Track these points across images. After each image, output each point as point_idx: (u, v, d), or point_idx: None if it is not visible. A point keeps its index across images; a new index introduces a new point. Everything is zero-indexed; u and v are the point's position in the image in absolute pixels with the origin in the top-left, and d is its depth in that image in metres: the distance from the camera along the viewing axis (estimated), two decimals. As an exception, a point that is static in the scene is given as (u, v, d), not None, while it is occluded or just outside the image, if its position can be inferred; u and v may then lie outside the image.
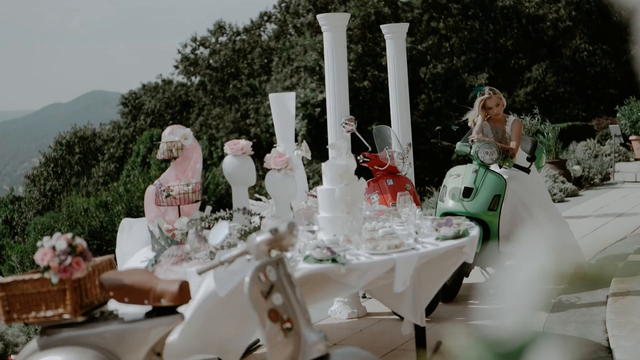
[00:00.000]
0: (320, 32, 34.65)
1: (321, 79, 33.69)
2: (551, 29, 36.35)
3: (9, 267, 18.60)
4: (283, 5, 43.26)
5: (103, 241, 24.02)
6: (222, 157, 35.78)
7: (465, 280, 7.10)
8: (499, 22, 36.74)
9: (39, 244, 3.66)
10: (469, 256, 5.12)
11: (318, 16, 6.73)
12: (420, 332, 5.17)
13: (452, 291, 6.85)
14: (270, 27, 45.29)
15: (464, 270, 6.83)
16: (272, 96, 6.45)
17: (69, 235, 3.69)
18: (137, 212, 26.86)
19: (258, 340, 6.03)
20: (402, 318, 5.85)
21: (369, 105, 33.22)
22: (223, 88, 43.03)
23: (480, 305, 6.76)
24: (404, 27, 7.56)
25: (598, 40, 35.89)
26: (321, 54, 33.77)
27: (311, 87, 33.96)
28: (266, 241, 3.57)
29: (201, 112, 43.31)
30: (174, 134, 5.39)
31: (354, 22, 33.81)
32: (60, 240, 3.63)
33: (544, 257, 1.20)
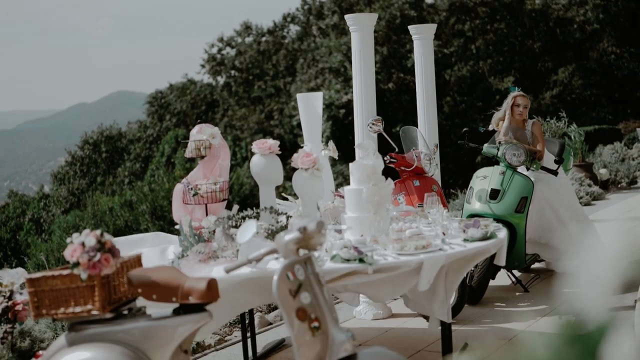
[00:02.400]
0: (345, 34, 34.59)
1: (346, 81, 33.68)
2: (578, 32, 36.12)
3: (34, 265, 18.78)
4: (306, 7, 43.33)
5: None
6: (246, 157, 35.88)
7: (491, 283, 7.07)
8: (525, 24, 36.54)
9: (68, 240, 3.68)
10: (500, 259, 5.09)
11: (346, 16, 6.73)
12: (446, 332, 5.14)
13: (478, 293, 6.81)
14: (294, 29, 45.40)
15: (490, 272, 6.80)
16: (299, 96, 6.44)
17: (98, 231, 3.71)
18: (161, 211, 27.03)
19: (283, 340, 6.04)
20: (427, 318, 5.82)
21: (393, 107, 33.17)
22: (248, 89, 43.17)
23: (507, 307, 6.71)
24: (432, 27, 7.54)
25: (626, 44, 35.61)
26: (346, 56, 33.78)
27: (336, 88, 33.97)
28: (295, 240, 3.56)
29: (226, 112, 43.46)
30: (202, 133, 5.41)
31: (379, 24, 33.79)
32: (89, 237, 3.65)
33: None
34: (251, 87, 43.13)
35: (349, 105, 32.13)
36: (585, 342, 1.07)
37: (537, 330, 5.93)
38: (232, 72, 44.34)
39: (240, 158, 36.70)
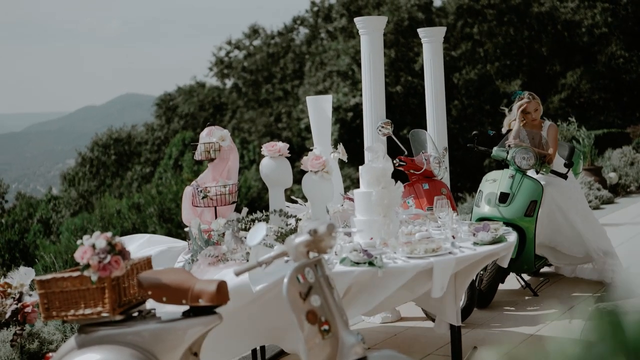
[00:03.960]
0: (353, 37, 34.42)
1: (354, 84, 33.67)
2: (586, 36, 36.04)
3: (42, 267, 18.79)
4: (315, 9, 43.34)
5: (135, 242, 24.13)
6: (254, 160, 35.87)
7: (501, 286, 7.05)
8: (533, 27, 36.47)
9: (78, 242, 3.68)
10: (504, 260, 5.08)
11: (356, 19, 6.71)
12: (456, 336, 5.13)
13: (488, 297, 6.80)
14: (303, 32, 45.42)
15: (499, 276, 6.78)
16: (309, 99, 6.44)
17: (109, 233, 3.71)
18: (168, 214, 27.05)
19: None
20: (434, 320, 5.81)
21: (401, 110, 33.13)
22: (256, 91, 43.19)
23: (516, 311, 6.69)
24: (441, 30, 7.52)
25: (634, 47, 35.52)
26: (354, 59, 33.76)
27: (344, 91, 33.97)
28: (305, 242, 3.55)
29: (234, 115, 43.50)
30: (211, 135, 5.41)
31: (387, 27, 33.75)
32: (100, 239, 3.65)
33: None
34: (259, 90, 43.16)
35: (356, 109, 32.11)
36: (617, 337, 1.07)
37: (546, 335, 5.91)
38: (242, 73, 44.37)
39: (248, 161, 36.72)
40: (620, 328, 1.09)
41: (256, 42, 45.61)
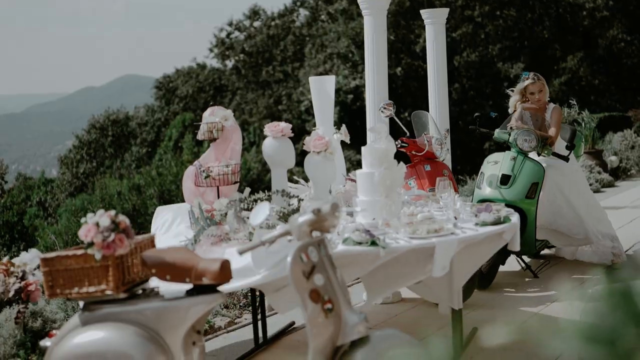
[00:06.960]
0: (354, 19, 34.15)
1: (354, 66, 33.58)
2: (587, 19, 35.91)
3: (43, 247, 18.81)
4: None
5: (135, 224, 24.22)
6: (254, 142, 35.83)
7: (501, 268, 7.07)
8: (535, 10, 36.33)
9: (82, 220, 3.69)
10: (513, 244, 5.08)
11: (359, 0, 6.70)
12: (456, 317, 5.15)
13: (488, 278, 6.82)
14: (303, 13, 45.24)
15: (500, 257, 6.79)
16: (312, 79, 6.43)
17: (112, 212, 3.72)
18: (169, 195, 27.05)
19: (293, 323, 6.06)
20: (437, 304, 5.84)
21: (401, 93, 33.06)
22: (256, 73, 43.07)
23: (516, 293, 6.72)
24: (444, 12, 7.51)
25: (635, 31, 35.41)
26: (354, 41, 33.64)
27: (344, 73, 33.87)
28: (308, 222, 3.56)
29: (234, 96, 43.41)
30: (214, 115, 5.41)
31: (388, 8, 33.63)
32: (104, 217, 3.66)
33: None
34: (260, 72, 43.04)
35: (357, 91, 32.04)
36: (629, 309, 1.08)
37: (546, 315, 5.94)
38: (242, 55, 44.24)
39: (248, 143, 36.66)
40: (632, 300, 1.10)
41: (256, 24, 45.44)
